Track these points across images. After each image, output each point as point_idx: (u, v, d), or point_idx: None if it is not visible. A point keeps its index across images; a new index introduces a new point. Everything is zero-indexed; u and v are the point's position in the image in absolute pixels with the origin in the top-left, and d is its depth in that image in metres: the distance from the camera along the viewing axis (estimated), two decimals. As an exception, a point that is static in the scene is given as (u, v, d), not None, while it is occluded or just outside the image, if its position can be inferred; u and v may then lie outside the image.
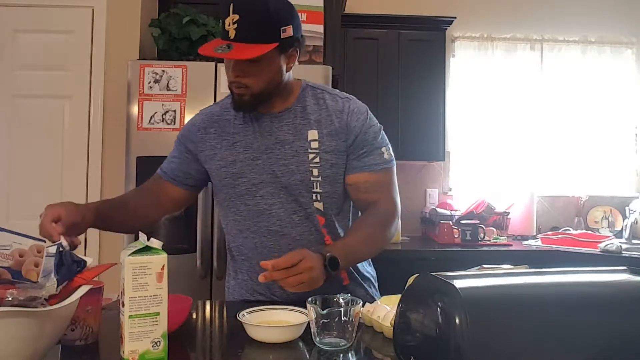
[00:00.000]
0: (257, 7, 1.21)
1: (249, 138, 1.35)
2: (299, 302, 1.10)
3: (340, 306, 1.02)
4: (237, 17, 1.19)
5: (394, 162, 1.39)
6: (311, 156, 1.32)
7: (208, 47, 1.23)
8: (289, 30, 1.24)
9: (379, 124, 1.39)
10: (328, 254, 1.15)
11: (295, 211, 1.33)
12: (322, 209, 1.34)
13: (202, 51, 1.24)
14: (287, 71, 1.31)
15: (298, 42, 1.29)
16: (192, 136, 1.42)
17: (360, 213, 1.42)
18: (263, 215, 1.33)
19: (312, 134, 1.33)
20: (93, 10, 2.71)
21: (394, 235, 1.37)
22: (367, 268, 1.48)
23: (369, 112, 1.39)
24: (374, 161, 1.35)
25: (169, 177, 1.43)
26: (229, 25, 1.20)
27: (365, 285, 1.44)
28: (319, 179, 1.32)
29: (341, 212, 1.39)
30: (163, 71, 2.39)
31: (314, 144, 1.32)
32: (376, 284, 1.50)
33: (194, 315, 1.25)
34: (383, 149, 1.36)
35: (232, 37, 1.20)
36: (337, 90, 1.43)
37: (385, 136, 1.39)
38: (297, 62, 1.34)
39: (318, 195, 1.33)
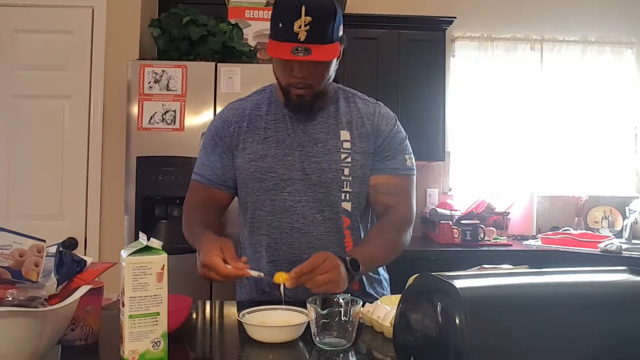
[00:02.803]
0: (328, 9, 1.22)
1: (281, 134, 1.37)
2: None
3: (340, 306, 1.02)
4: (309, 19, 1.19)
5: (415, 171, 1.43)
6: (343, 156, 1.35)
7: (278, 51, 1.22)
8: (341, 28, 1.28)
9: (405, 133, 1.44)
10: (348, 257, 1.19)
11: (320, 210, 1.35)
12: (349, 209, 1.36)
13: (274, 54, 1.23)
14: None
15: (344, 38, 1.33)
16: (226, 132, 1.40)
17: (376, 218, 1.44)
18: (288, 212, 1.34)
19: (345, 135, 1.37)
20: (93, 10, 2.71)
21: (409, 241, 1.39)
22: (377, 276, 1.48)
23: (397, 120, 1.44)
24: (396, 165, 1.39)
25: (216, 184, 1.40)
26: (300, 27, 1.19)
27: (371, 294, 1.44)
28: (350, 178, 1.35)
29: (364, 215, 1.42)
30: (163, 71, 2.39)
31: (347, 145, 1.36)
32: (388, 286, 1.51)
33: (194, 315, 1.25)
34: (406, 156, 1.41)
35: (302, 39, 1.20)
36: (366, 95, 1.47)
37: (410, 146, 1.44)
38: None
39: (347, 195, 1.35)
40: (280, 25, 1.22)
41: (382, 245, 1.32)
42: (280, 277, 1.12)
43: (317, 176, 1.34)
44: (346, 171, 1.35)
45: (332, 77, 1.36)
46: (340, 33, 1.28)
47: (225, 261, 1.13)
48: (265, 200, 1.36)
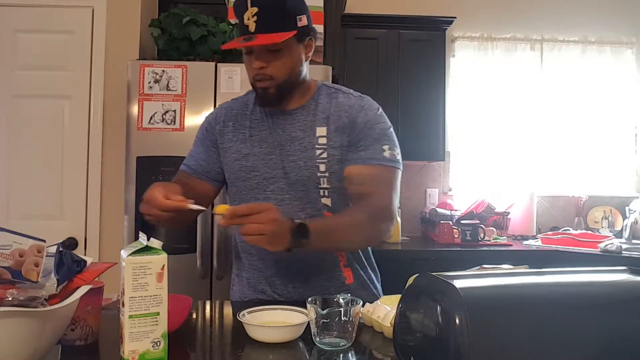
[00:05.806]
0: None
1: (264, 133, 1.38)
2: (301, 301, 1.10)
3: (340, 306, 1.02)
4: (256, 9, 1.23)
5: (398, 164, 1.35)
6: (318, 152, 1.33)
7: (230, 43, 1.29)
8: (304, 20, 1.29)
9: (389, 124, 1.38)
10: (298, 221, 1.13)
11: (303, 208, 1.34)
12: (330, 205, 1.35)
13: (226, 46, 1.29)
14: (305, 61, 1.34)
15: (313, 31, 1.33)
16: (213, 130, 1.44)
17: None
18: None
19: (321, 130, 1.35)
20: (93, 10, 2.71)
21: (386, 233, 1.32)
22: (369, 268, 1.47)
23: (381, 111, 1.38)
24: (371, 155, 1.32)
25: (199, 174, 1.42)
26: (248, 19, 1.24)
27: (368, 285, 1.44)
28: (326, 174, 1.33)
29: None
30: (163, 71, 2.39)
31: (322, 140, 1.34)
32: (379, 285, 1.50)
33: (194, 315, 1.25)
34: (385, 147, 1.33)
35: (252, 30, 1.24)
36: (352, 90, 1.43)
37: (395, 138, 1.37)
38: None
39: (325, 191, 1.34)
40: (238, 22, 1.28)
41: (346, 222, 1.26)
42: (220, 209, 1.10)
43: (295, 174, 1.33)
44: (322, 167, 1.32)
45: (302, 71, 1.34)
46: (301, 23, 1.27)
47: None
48: (250, 199, 1.37)
